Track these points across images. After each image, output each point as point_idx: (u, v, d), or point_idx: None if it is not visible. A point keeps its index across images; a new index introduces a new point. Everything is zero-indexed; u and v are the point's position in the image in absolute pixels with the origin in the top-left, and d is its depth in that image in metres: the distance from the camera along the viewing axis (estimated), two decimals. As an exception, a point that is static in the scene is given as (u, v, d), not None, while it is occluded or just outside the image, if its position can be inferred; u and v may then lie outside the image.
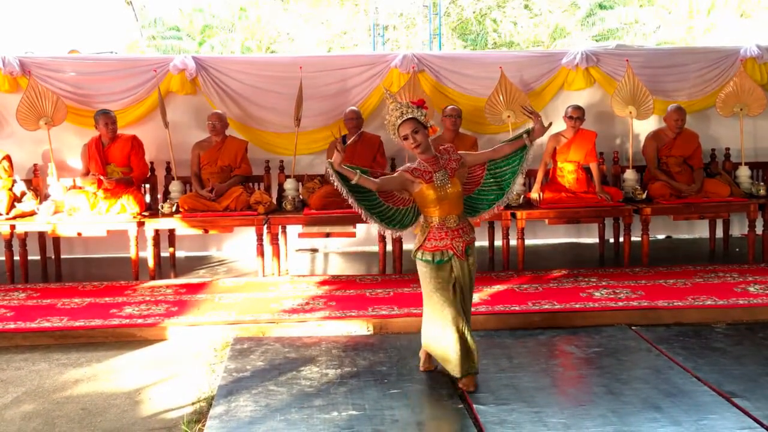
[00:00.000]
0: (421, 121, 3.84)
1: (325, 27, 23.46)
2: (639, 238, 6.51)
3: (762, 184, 6.64)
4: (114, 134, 6.56)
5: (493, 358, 4.30)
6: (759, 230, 6.61)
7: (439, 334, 3.90)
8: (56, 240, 6.93)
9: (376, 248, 6.75)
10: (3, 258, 6.45)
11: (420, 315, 4.97)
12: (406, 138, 3.85)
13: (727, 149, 7.07)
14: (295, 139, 6.80)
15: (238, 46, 23.27)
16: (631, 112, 6.85)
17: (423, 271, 3.93)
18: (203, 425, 3.52)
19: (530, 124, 4.05)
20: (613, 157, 7.02)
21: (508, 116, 6.81)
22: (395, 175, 3.92)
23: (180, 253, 7.30)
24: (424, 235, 3.93)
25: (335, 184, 3.82)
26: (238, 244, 7.48)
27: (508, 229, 6.38)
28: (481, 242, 6.49)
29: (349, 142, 6.68)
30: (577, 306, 5.17)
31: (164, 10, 23.50)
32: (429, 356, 4.12)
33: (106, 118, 6.48)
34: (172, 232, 6.97)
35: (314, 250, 7.66)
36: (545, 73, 7.23)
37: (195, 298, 5.57)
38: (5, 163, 6.59)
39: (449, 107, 6.64)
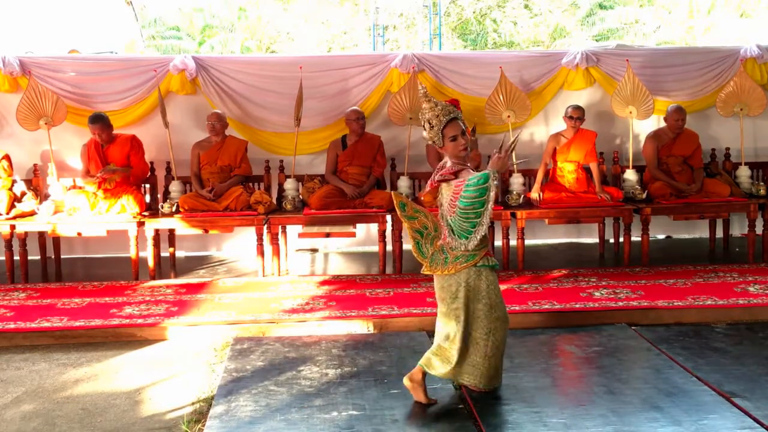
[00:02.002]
0: (463, 121, 3.70)
1: (325, 27, 23.47)
2: (639, 238, 6.51)
3: (762, 184, 6.64)
4: (108, 139, 6.55)
5: (493, 358, 4.30)
6: (759, 230, 6.61)
7: (501, 348, 3.74)
8: (56, 240, 6.93)
9: (376, 248, 6.75)
10: (3, 258, 6.45)
11: (420, 314, 5.00)
12: (454, 138, 3.63)
13: (727, 149, 7.07)
14: (295, 139, 6.80)
15: (238, 46, 23.28)
16: (631, 112, 6.85)
17: (491, 279, 3.69)
18: (203, 425, 3.52)
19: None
20: (613, 157, 7.02)
21: (508, 116, 6.81)
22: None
23: (180, 253, 7.30)
24: (488, 240, 3.68)
25: (491, 188, 3.46)
26: (238, 244, 7.48)
27: (508, 228, 6.38)
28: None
29: (350, 143, 6.70)
30: (577, 306, 5.17)
31: (164, 10, 23.52)
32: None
33: (94, 127, 6.42)
34: (172, 232, 6.97)
35: (314, 250, 7.66)
36: (545, 73, 7.23)
37: (195, 298, 5.58)
38: (4, 163, 6.58)
39: (449, 107, 6.64)
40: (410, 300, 5.37)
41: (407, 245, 6.89)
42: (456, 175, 3.62)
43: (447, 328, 3.74)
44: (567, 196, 6.51)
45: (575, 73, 7.16)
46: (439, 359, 3.72)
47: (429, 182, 3.81)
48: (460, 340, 3.67)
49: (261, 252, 6.29)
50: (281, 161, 6.93)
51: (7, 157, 6.63)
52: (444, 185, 3.69)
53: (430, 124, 3.67)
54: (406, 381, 3.73)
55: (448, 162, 3.72)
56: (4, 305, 5.48)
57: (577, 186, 6.61)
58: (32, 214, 6.41)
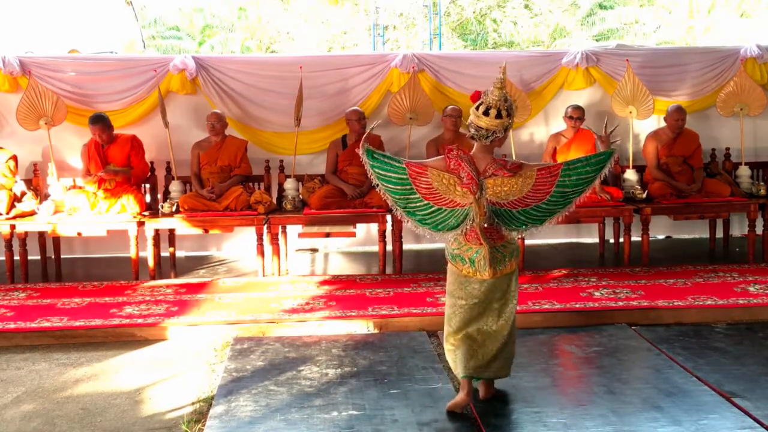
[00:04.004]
0: None
1: (325, 27, 23.45)
2: (639, 238, 6.50)
3: (762, 184, 6.65)
4: (109, 139, 6.55)
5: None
6: (759, 230, 6.61)
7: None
8: (56, 240, 6.93)
9: (376, 248, 6.74)
10: (3, 258, 6.45)
11: (420, 314, 5.01)
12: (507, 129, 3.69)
13: (727, 149, 7.07)
14: (295, 139, 6.80)
15: (238, 46, 23.26)
16: (631, 112, 6.85)
17: None
18: (203, 425, 3.53)
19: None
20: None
21: (508, 116, 6.79)
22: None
23: (180, 253, 7.30)
24: None
25: (609, 165, 3.63)
26: (238, 244, 7.48)
27: (508, 228, 6.36)
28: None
29: (350, 143, 6.69)
30: (577, 306, 5.17)
31: (164, 10, 23.50)
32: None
33: (94, 128, 6.42)
34: (172, 232, 6.97)
35: (314, 250, 7.66)
36: (545, 72, 7.22)
37: (195, 298, 5.57)
38: (11, 163, 6.58)
39: (449, 107, 6.65)
40: (410, 300, 5.37)
41: (407, 245, 6.93)
42: (521, 167, 3.62)
43: (476, 328, 3.67)
44: (567, 196, 6.49)
45: (575, 73, 7.15)
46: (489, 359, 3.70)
47: (468, 181, 3.54)
48: (507, 335, 3.72)
49: (261, 252, 6.29)
50: (281, 161, 6.92)
51: (15, 158, 6.63)
52: (492, 180, 3.56)
53: (502, 113, 3.58)
54: (463, 398, 3.62)
55: (485, 163, 3.59)
56: (4, 305, 5.48)
57: (577, 186, 6.60)
58: (32, 214, 6.41)
